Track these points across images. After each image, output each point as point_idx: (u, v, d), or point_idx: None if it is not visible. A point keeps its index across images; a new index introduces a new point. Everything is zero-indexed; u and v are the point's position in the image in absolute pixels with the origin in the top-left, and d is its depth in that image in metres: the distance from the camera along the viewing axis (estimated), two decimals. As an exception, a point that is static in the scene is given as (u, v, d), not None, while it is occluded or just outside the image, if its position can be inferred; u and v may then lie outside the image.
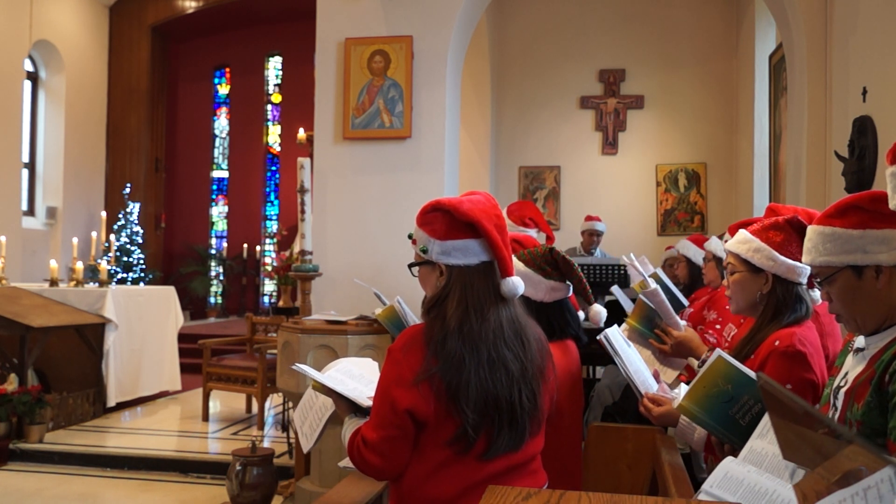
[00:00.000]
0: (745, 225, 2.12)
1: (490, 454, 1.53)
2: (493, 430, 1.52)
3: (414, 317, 3.15)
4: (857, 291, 1.48)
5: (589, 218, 6.11)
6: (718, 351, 1.68)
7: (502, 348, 1.55)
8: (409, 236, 1.69)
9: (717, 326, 3.15)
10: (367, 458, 1.55)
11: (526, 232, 3.93)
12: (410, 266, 1.69)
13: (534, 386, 1.58)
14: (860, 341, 1.53)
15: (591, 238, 6.00)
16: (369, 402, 1.68)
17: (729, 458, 1.43)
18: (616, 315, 3.08)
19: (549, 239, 4.12)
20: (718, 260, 3.42)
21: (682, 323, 2.57)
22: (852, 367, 1.52)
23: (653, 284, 2.56)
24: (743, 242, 2.04)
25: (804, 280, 1.98)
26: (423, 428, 1.53)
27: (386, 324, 3.33)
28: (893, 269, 1.45)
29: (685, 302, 3.53)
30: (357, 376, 1.85)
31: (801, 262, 1.95)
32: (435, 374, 1.49)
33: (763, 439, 1.42)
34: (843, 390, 1.49)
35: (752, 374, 1.64)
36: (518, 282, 1.61)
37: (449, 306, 1.56)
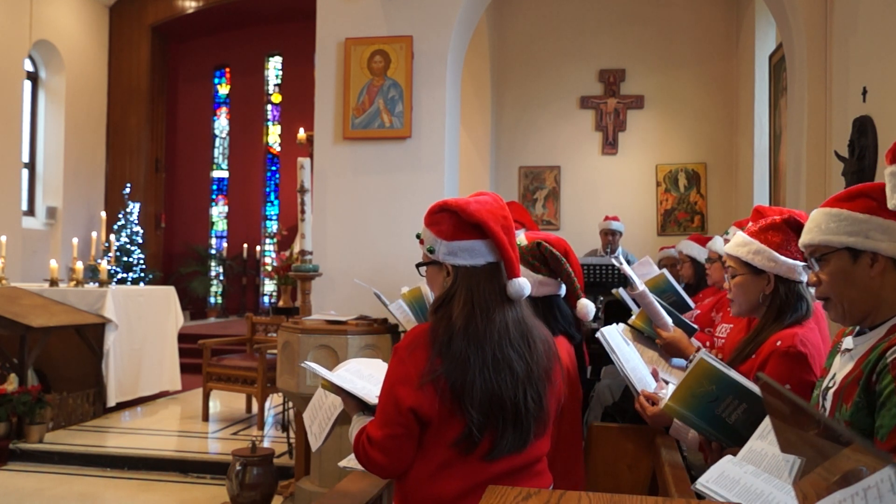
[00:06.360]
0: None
1: (494, 455, 1.54)
2: (497, 430, 1.53)
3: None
4: (850, 276, 1.46)
5: (606, 218, 6.08)
6: (702, 352, 1.69)
7: (507, 349, 1.55)
8: (418, 236, 1.69)
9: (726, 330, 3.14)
10: (372, 455, 1.56)
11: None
12: (418, 266, 1.70)
13: (539, 387, 1.58)
14: (848, 342, 1.52)
15: (608, 237, 5.97)
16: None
17: (728, 457, 1.43)
18: (620, 316, 3.06)
19: None
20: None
21: (671, 324, 2.57)
22: (840, 368, 1.51)
23: (640, 286, 2.55)
24: (742, 245, 2.04)
25: (804, 278, 1.98)
26: (427, 427, 1.54)
27: (409, 303, 3.31)
28: (888, 263, 1.44)
29: (692, 304, 3.51)
30: (367, 376, 1.85)
31: (800, 260, 1.96)
32: (440, 374, 1.50)
33: (763, 440, 1.42)
34: (831, 391, 1.49)
35: (734, 374, 1.65)
36: (524, 283, 1.62)
37: (455, 306, 1.57)
